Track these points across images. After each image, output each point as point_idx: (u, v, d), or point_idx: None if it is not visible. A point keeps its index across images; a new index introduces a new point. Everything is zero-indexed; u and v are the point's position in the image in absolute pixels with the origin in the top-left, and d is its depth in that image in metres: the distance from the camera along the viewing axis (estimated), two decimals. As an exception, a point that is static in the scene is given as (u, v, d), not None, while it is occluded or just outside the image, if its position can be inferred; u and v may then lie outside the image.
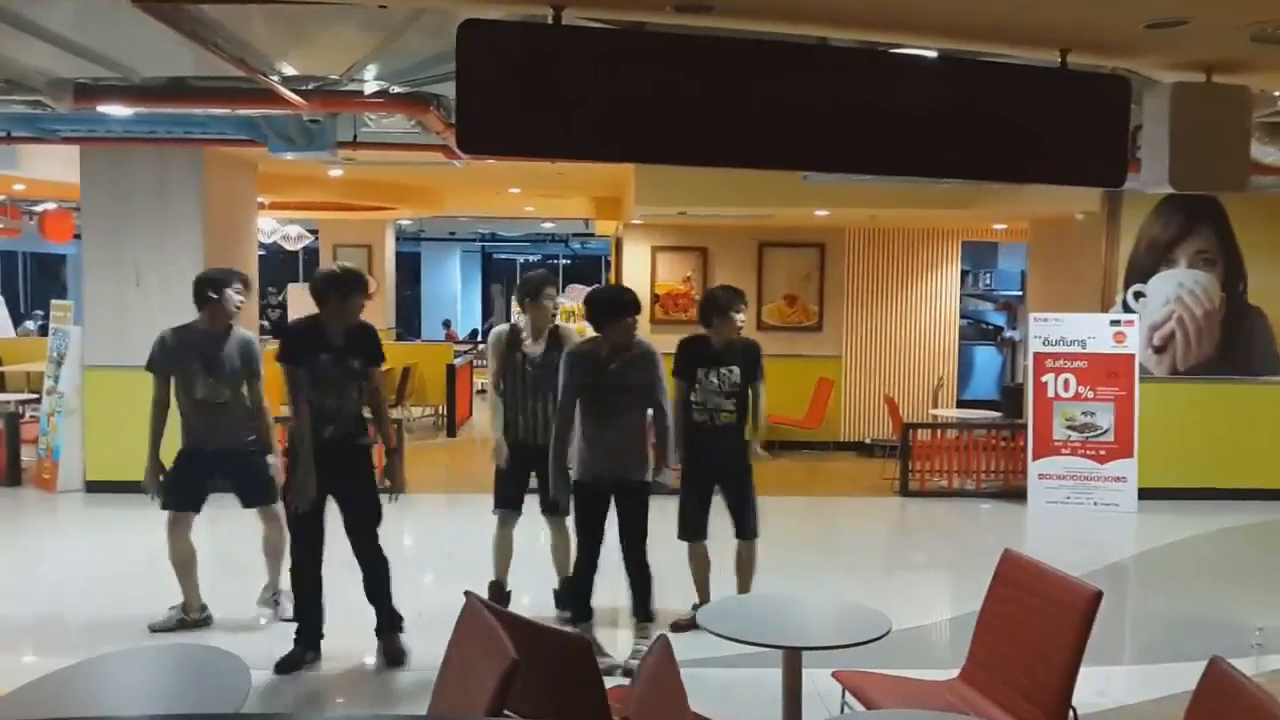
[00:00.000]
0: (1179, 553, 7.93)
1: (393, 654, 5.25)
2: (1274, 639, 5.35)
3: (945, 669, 4.10)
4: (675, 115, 3.77)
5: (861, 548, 8.18)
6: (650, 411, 5.24)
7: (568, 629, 5.02)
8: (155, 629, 5.62)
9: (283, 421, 5.84)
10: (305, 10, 4.70)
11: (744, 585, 5.68)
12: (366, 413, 5.30)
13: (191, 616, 5.73)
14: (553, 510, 5.69)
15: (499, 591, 5.89)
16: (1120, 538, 8.39)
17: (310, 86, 6.10)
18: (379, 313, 15.27)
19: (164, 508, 5.62)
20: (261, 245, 11.94)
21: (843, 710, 3.94)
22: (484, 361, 16.80)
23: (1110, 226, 9.45)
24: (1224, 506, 8.92)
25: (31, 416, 10.54)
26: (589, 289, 5.16)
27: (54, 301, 10.36)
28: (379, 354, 5.27)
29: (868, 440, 11.84)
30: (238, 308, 5.62)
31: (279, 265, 19.59)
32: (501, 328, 5.88)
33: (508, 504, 5.79)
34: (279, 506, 5.59)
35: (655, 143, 3.84)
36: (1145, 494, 8.94)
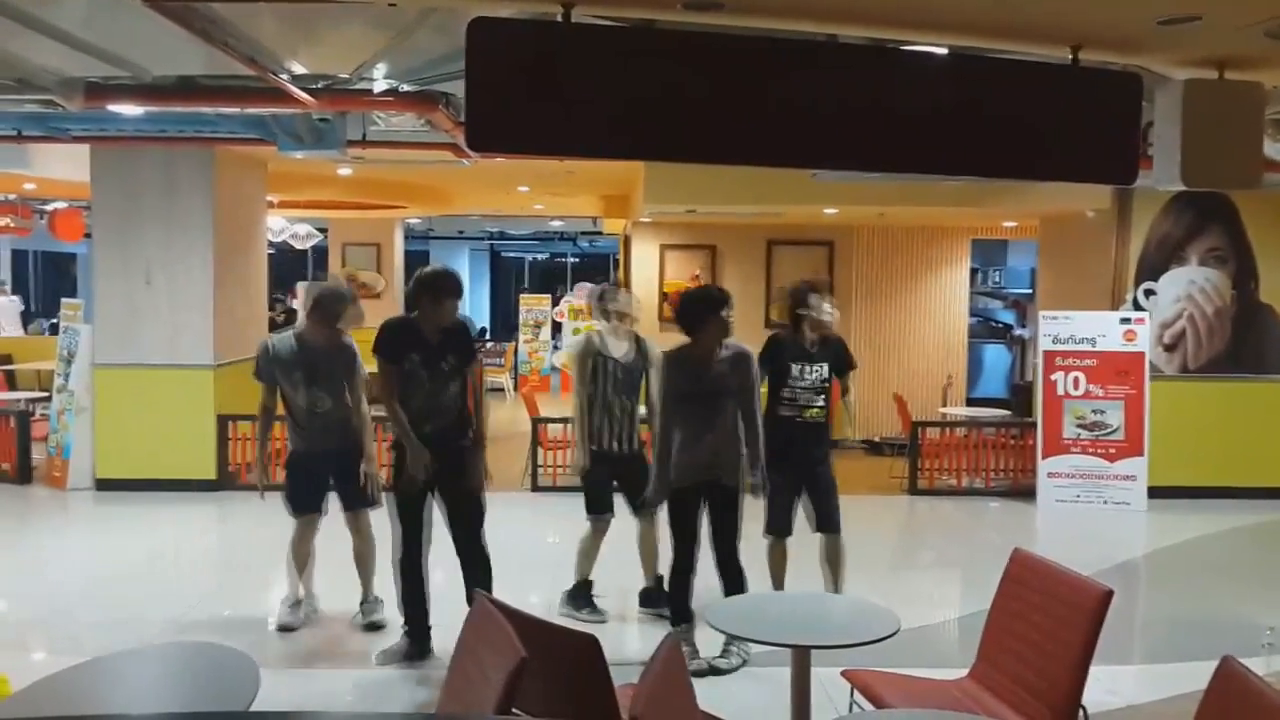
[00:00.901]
0: (1189, 552, 7.90)
1: None
2: (1286, 639, 5.32)
3: (954, 668, 4.09)
4: (684, 113, 3.77)
5: (870, 546, 8.15)
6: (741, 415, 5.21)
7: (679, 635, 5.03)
8: (284, 628, 5.64)
9: (379, 420, 5.94)
10: (315, 9, 4.70)
11: (835, 582, 5.69)
12: None
13: (307, 605, 5.79)
14: (641, 508, 5.76)
15: (587, 589, 5.91)
16: (1130, 536, 8.36)
17: (320, 85, 6.11)
18: (388, 311, 15.27)
19: (292, 514, 5.69)
20: (270, 244, 11.96)
21: (851, 709, 3.93)
22: (494, 360, 16.80)
23: (1121, 224, 9.41)
24: (1235, 505, 8.88)
25: (42, 415, 10.57)
26: (683, 291, 5.20)
27: (64, 300, 10.39)
28: (472, 352, 5.34)
29: (876, 438, 11.82)
30: (350, 324, 5.70)
31: (288, 264, 19.64)
32: (581, 337, 5.98)
33: (602, 509, 5.83)
34: (370, 515, 5.70)
35: (664, 140, 3.84)
36: (1155, 492, 8.91)
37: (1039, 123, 4.15)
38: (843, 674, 3.93)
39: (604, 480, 5.80)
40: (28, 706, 2.91)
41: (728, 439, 5.13)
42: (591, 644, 3.04)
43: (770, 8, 3.81)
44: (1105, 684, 4.78)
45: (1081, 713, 3.47)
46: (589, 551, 5.86)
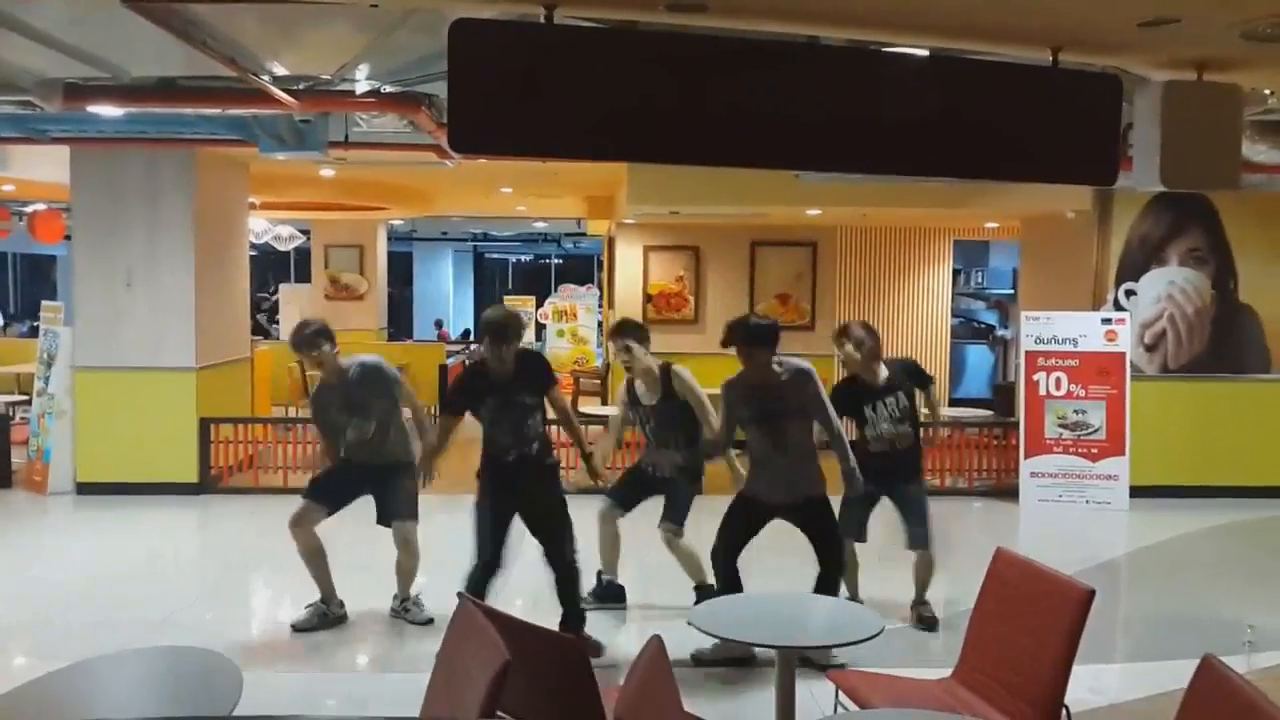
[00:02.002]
0: (1171, 550, 7.95)
1: (589, 646, 5.33)
2: (1265, 636, 5.36)
3: (938, 668, 4.10)
4: (666, 114, 3.77)
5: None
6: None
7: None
8: (298, 628, 5.65)
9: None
10: (297, 10, 4.68)
11: (918, 592, 5.91)
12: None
13: (333, 610, 5.75)
14: (673, 520, 5.81)
15: (600, 582, 6.03)
16: (1112, 536, 8.40)
17: (301, 86, 6.09)
18: (371, 313, 15.26)
19: (304, 495, 5.76)
20: (253, 246, 11.92)
21: (836, 710, 3.93)
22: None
23: (1102, 225, 9.46)
24: (1215, 504, 8.93)
25: (22, 418, 10.50)
26: (738, 318, 5.32)
27: (44, 303, 10.32)
28: (546, 379, 5.41)
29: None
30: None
31: (270, 265, 19.57)
32: (625, 381, 6.05)
33: (616, 496, 5.96)
34: (412, 526, 5.78)
35: (646, 142, 3.84)
36: (1137, 492, 8.96)
37: (1019, 124, 4.17)
38: (827, 675, 3.94)
39: (635, 485, 5.95)
40: (9, 712, 2.89)
41: (804, 455, 5.19)
42: (575, 645, 3.04)
43: (753, 10, 3.81)
44: (1088, 683, 4.80)
45: (1064, 711, 3.48)
46: (600, 542, 5.96)
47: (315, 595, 5.73)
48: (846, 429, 5.50)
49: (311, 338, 5.62)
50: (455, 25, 3.50)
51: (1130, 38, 3.98)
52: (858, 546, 5.85)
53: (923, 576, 5.88)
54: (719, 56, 3.82)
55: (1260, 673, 4.83)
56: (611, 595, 6.05)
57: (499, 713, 2.57)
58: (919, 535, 5.79)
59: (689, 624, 3.97)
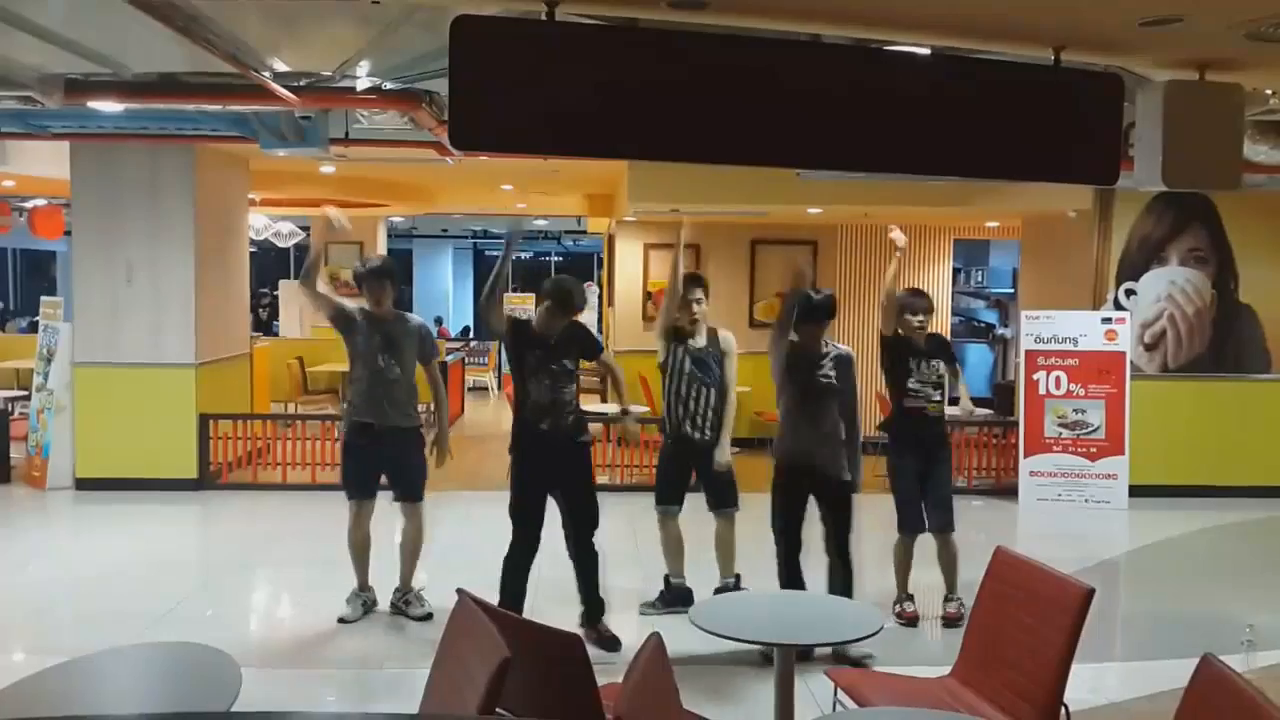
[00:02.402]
0: (1170, 550, 7.95)
1: (607, 639, 5.35)
2: (1265, 636, 5.36)
3: (937, 666, 4.10)
4: (668, 112, 3.76)
5: (853, 545, 8.16)
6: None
7: None
8: (348, 620, 5.67)
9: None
10: (298, 6, 4.68)
11: (949, 584, 5.88)
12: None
13: (370, 596, 5.82)
14: (721, 505, 5.81)
15: (670, 587, 5.93)
16: (1111, 535, 8.40)
17: (302, 83, 6.08)
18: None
19: (349, 497, 5.77)
20: (253, 242, 11.91)
21: (835, 707, 3.94)
22: (475, 360, 16.77)
23: (1102, 224, 9.46)
24: (1214, 504, 8.94)
25: (21, 414, 10.49)
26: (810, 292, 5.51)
27: (44, 298, 10.31)
28: (591, 349, 5.50)
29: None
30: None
31: (270, 262, 19.57)
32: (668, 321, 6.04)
33: (668, 499, 5.88)
34: (423, 505, 5.81)
35: (647, 139, 3.83)
36: (1136, 491, 8.96)
37: (1021, 123, 4.17)
38: (826, 673, 3.95)
39: (676, 472, 5.86)
40: (8, 707, 2.89)
41: (835, 433, 5.37)
42: (575, 643, 3.04)
43: (755, 7, 3.81)
44: (1087, 682, 4.81)
45: (1063, 710, 3.48)
46: (668, 548, 5.91)
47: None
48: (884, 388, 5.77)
49: (379, 274, 5.71)
50: (457, 22, 3.49)
51: (1132, 37, 3.98)
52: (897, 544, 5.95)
53: (950, 569, 5.86)
54: (721, 54, 3.82)
55: (1260, 672, 4.83)
56: (680, 599, 5.82)
57: (498, 709, 2.57)
58: (947, 518, 5.80)
59: (690, 621, 3.97)
